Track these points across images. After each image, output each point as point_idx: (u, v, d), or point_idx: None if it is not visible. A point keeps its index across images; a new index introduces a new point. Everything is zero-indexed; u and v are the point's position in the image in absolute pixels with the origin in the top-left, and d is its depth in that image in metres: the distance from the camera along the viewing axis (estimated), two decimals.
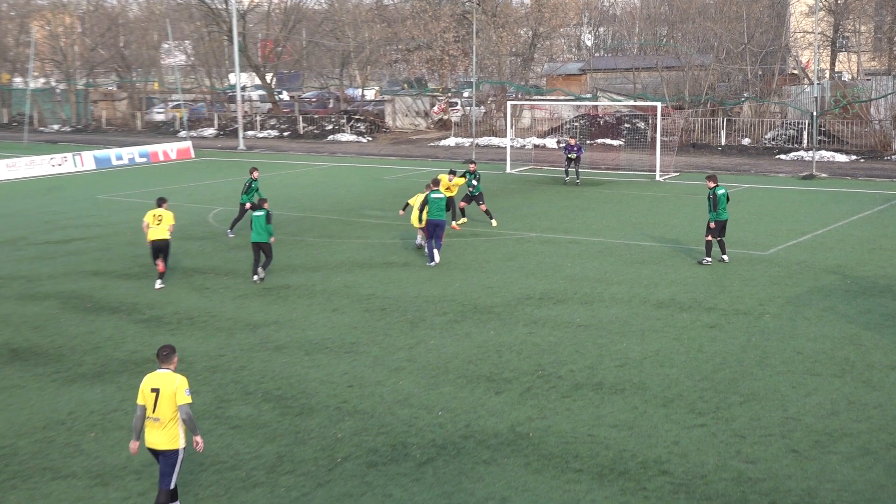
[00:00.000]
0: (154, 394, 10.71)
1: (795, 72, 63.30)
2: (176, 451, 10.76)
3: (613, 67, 66.35)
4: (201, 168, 49.17)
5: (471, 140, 55.03)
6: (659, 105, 42.66)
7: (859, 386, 14.97)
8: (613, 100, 58.84)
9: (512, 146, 49.10)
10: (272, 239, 22.78)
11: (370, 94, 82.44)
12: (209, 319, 19.55)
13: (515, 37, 64.83)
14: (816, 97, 43.94)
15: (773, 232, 28.05)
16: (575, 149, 39.52)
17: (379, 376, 15.84)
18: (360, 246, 26.99)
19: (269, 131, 67.86)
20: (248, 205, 27.60)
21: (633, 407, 14.23)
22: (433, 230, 24.20)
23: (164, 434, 10.70)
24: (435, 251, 24.19)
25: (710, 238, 23.70)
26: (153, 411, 10.73)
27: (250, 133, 66.86)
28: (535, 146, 53.77)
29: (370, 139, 63.67)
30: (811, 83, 50.96)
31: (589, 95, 62.24)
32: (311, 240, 27.91)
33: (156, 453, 10.85)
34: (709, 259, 23.68)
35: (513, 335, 18.00)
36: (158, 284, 22.43)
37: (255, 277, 22.71)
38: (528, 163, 47.23)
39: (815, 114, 43.28)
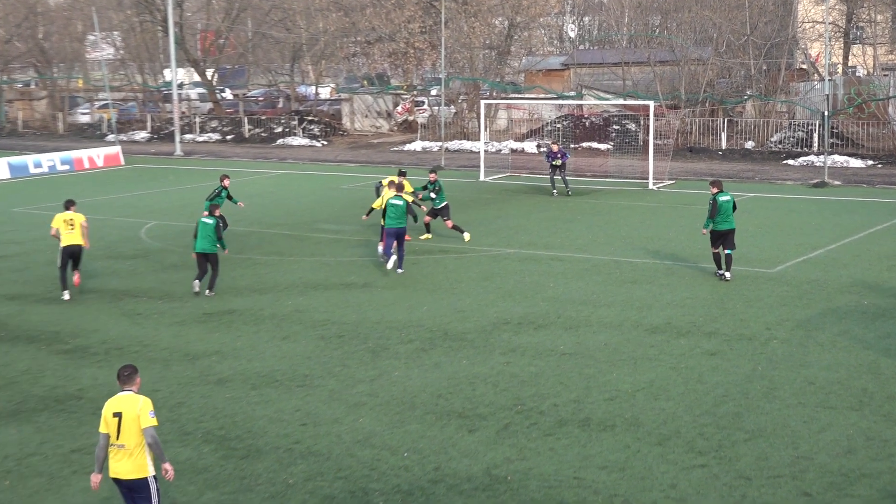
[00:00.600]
0: (116, 419, 10.86)
1: (804, 66, 63.90)
2: (146, 481, 10.91)
3: (600, 62, 66.72)
4: (132, 177, 48.96)
5: (439, 144, 55.14)
6: (651, 104, 42.93)
7: (879, 420, 15.07)
8: (600, 98, 59.15)
9: (486, 151, 49.21)
10: (224, 251, 23.81)
11: (325, 93, 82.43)
12: (141, 349, 19.42)
13: (489, 27, 65.09)
14: (828, 95, 44.36)
15: (780, 247, 28.25)
16: (559, 155, 39.56)
17: (336, 413, 15.77)
18: (313, 264, 26.93)
19: (210, 134, 67.69)
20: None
21: (625, 446, 14.25)
22: (392, 239, 25.23)
23: (131, 462, 10.86)
24: (393, 258, 25.27)
25: (716, 250, 24.32)
26: (117, 437, 10.87)
27: (188, 136, 66.64)
28: (513, 151, 53.96)
29: (325, 143, 63.63)
30: (822, 79, 51.47)
31: (573, 93, 62.55)
32: (259, 258, 27.82)
33: (122, 484, 10.96)
34: (720, 272, 24.32)
35: (488, 365, 17.99)
36: (66, 296, 23.06)
37: (196, 283, 23.41)
38: (504, 169, 47.38)
39: (826, 114, 43.68)
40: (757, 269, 25.28)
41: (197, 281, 23.54)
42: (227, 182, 30.23)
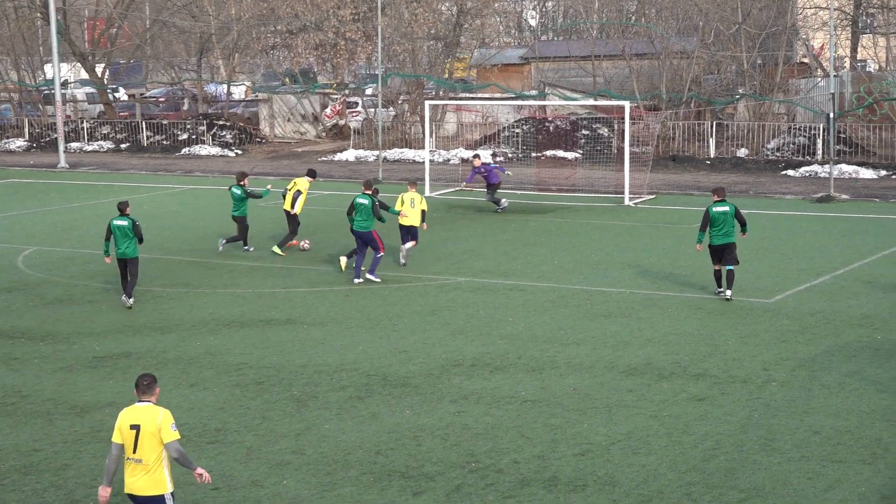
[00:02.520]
0: (134, 431, 11.84)
1: (805, 60, 64.69)
2: (163, 498, 11.95)
3: (566, 55, 67.18)
4: (6, 194, 48.56)
5: (376, 153, 55.23)
6: (627, 105, 43.25)
7: (895, 476, 15.27)
8: (566, 98, 59.56)
9: (432, 161, 49.37)
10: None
11: (239, 92, 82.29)
12: (19, 401, 19.27)
13: (435, 15, 65.33)
14: (833, 94, 44.89)
15: (779, 273, 28.57)
16: (482, 172, 38.97)
17: (255, 474, 15.74)
18: (227, 298, 26.87)
19: (101, 143, 67.32)
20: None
21: None
22: (359, 242, 28.00)
23: (149, 479, 11.89)
24: (363, 269, 27.84)
25: (717, 267, 25.43)
26: (133, 451, 11.87)
27: (75, 145, 66.22)
28: (464, 160, 54.13)
29: (239, 152, 63.51)
30: (826, 75, 52.14)
31: (534, 92, 62.92)
32: (160, 290, 27.71)
33: (138, 500, 11.95)
34: (720, 290, 25.67)
35: (436, 415, 18.04)
36: None
37: (124, 297, 25.63)
38: (453, 183, 47.50)
39: (831, 115, 44.20)
40: (752, 300, 25.55)
41: (125, 297, 25.61)
42: (245, 182, 33.19)
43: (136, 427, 11.89)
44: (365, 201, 27.92)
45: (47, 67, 75.16)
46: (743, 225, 25.61)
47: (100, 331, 23.77)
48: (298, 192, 32.53)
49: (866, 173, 47.92)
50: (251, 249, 32.70)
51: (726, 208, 25.26)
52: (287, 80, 70.78)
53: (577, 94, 60.34)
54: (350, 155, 59.07)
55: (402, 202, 30.53)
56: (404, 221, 30.35)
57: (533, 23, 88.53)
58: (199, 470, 12.10)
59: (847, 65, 65.63)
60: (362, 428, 17.52)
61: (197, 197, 46.29)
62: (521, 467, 15.76)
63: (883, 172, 48.13)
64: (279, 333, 23.35)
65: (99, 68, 73.77)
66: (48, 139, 68.16)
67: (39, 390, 19.86)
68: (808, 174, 48.56)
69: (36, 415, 18.55)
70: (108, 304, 26.25)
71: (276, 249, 32.07)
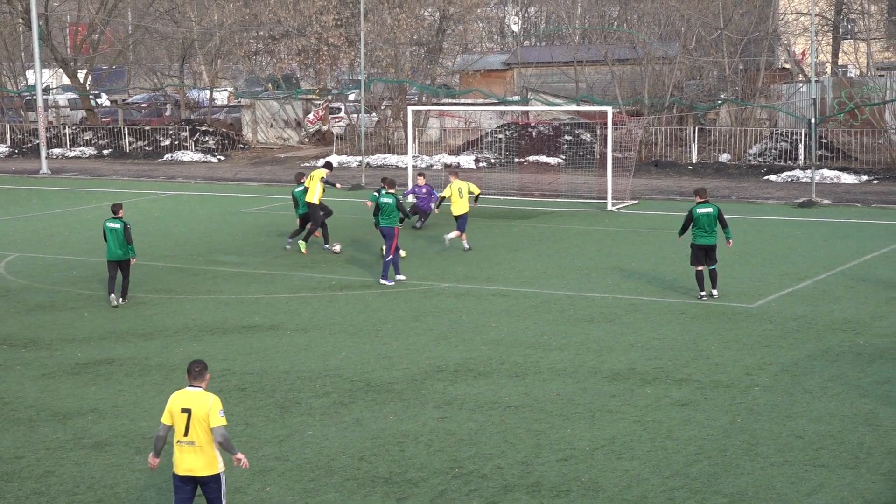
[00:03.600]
0: (185, 415, 12.72)
1: (787, 66, 64.86)
2: (218, 476, 12.90)
3: (549, 61, 67.26)
4: None
5: (359, 159, 55.23)
6: (610, 110, 43.31)
7: (878, 480, 15.32)
8: (549, 103, 59.62)
9: (415, 166, 49.37)
10: (132, 259, 26.41)
11: (222, 98, 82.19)
12: (1, 408, 19.20)
13: (417, 20, 65.36)
14: (815, 99, 45.03)
15: (761, 278, 28.63)
16: (420, 192, 37.49)
17: (238, 481, 15.72)
18: (210, 304, 26.83)
19: (83, 149, 67.18)
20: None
21: None
22: (384, 239, 28.64)
23: (203, 459, 12.78)
24: (391, 267, 28.40)
25: (699, 268, 25.63)
26: (185, 434, 12.73)
27: (57, 151, 66.08)
28: (446, 166, 54.14)
29: (222, 158, 63.44)
30: (807, 81, 52.32)
31: (516, 98, 62.96)
32: (143, 296, 27.65)
33: (193, 480, 12.83)
34: (703, 294, 25.76)
35: (419, 421, 18.03)
36: None
37: (112, 297, 26.21)
38: (436, 188, 47.45)
39: (813, 121, 44.33)
40: (735, 304, 25.60)
41: (112, 296, 26.28)
42: (305, 180, 33.69)
43: (187, 411, 12.70)
44: (389, 200, 28.66)
45: (29, 73, 74.96)
46: (725, 227, 25.85)
47: (82, 337, 23.71)
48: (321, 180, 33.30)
49: (848, 178, 48.06)
50: (334, 248, 33.25)
51: (710, 210, 25.48)
52: (270, 85, 70.72)
53: (559, 100, 60.43)
54: (333, 160, 58.91)
55: (451, 192, 33.34)
56: (455, 211, 33.16)
57: (515, 28, 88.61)
58: (239, 455, 12.90)
59: (828, 70, 65.92)
60: (346, 434, 17.50)
61: (180, 203, 46.21)
62: (505, 473, 15.76)
63: (864, 177, 48.28)
64: (262, 339, 23.31)
65: (81, 74, 73.62)
66: (30, 145, 67.98)
67: (22, 397, 19.80)
68: (789, 179, 48.67)
69: (18, 421, 18.49)
70: (91, 310, 26.19)
71: (300, 245, 32.92)
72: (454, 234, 32.85)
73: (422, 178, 38.56)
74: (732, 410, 18.22)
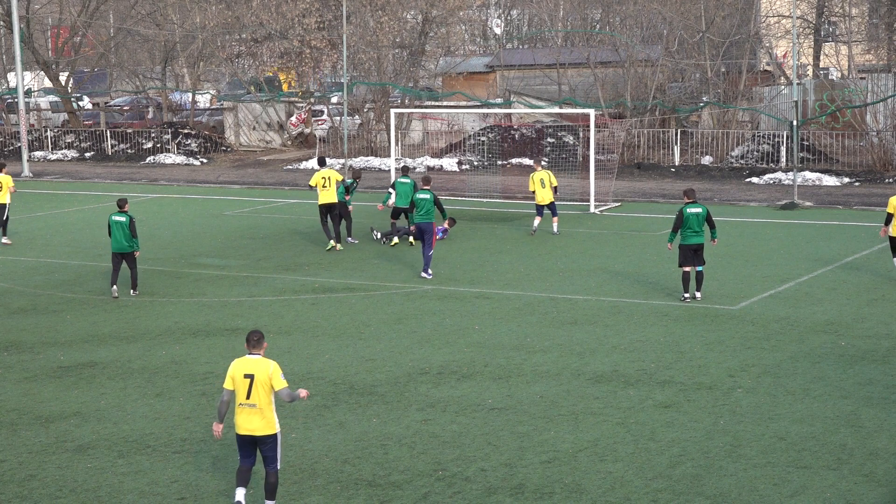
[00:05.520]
0: (248, 380, 14.17)
1: (769, 68, 65.05)
2: (276, 436, 14.33)
3: (531, 63, 67.28)
4: None
5: (342, 161, 55.20)
6: (592, 113, 43.34)
7: (860, 481, 15.37)
8: (531, 106, 59.67)
9: (398, 169, 49.36)
10: (136, 252, 27.49)
11: (204, 101, 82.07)
12: None
13: (400, 23, 65.36)
14: (797, 101, 45.13)
15: (744, 280, 28.69)
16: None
17: (221, 484, 15.70)
18: (193, 307, 26.80)
19: (65, 151, 66.99)
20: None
21: None
22: (420, 235, 29.56)
23: (263, 420, 14.18)
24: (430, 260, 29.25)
25: (686, 269, 25.81)
26: (247, 398, 14.18)
27: (39, 154, 65.90)
28: (429, 168, 54.18)
29: (205, 161, 63.33)
30: (789, 83, 52.47)
31: (499, 100, 62.98)
32: (126, 299, 27.61)
33: (253, 440, 14.23)
34: (686, 295, 25.91)
35: (402, 424, 18.03)
36: None
37: (114, 289, 27.25)
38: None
39: (795, 123, 44.46)
40: (717, 306, 25.66)
41: (115, 288, 27.37)
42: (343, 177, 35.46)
43: (249, 376, 14.18)
44: (426, 196, 29.59)
45: (10, 76, 74.83)
46: (712, 228, 26.07)
47: (64, 340, 23.67)
48: (339, 182, 34.20)
49: (829, 180, 48.18)
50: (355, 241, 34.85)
51: (699, 210, 25.70)
52: (252, 88, 70.64)
53: (542, 102, 60.43)
54: (316, 163, 58.89)
55: (533, 182, 35.50)
56: (539, 200, 35.36)
57: (498, 31, 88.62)
58: (303, 393, 14.48)
59: (810, 73, 66.10)
60: (329, 437, 17.50)
61: (162, 206, 46.12)
62: (489, 475, 15.78)
63: (846, 179, 48.39)
64: (245, 342, 23.24)
65: (63, 77, 73.41)
66: (11, 148, 67.78)
67: (4, 400, 19.75)
68: (772, 181, 48.78)
69: (0, 425, 18.44)
70: (73, 313, 26.14)
71: (348, 240, 34.56)
72: (538, 220, 35.64)
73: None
74: (715, 412, 18.26)
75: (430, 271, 29.24)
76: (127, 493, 15.49)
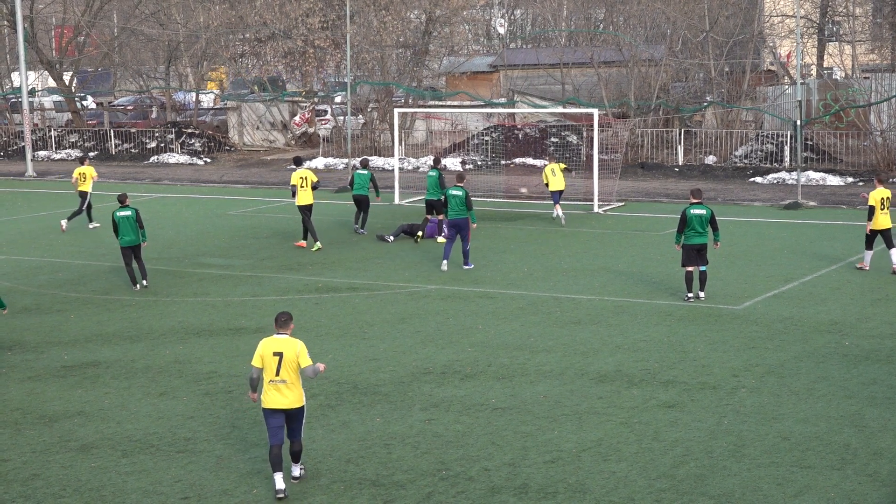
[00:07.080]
0: (277, 357, 15.12)
1: (773, 68, 65.04)
2: (303, 409, 15.42)
3: (535, 63, 67.31)
4: None
5: (345, 161, 55.23)
6: (596, 112, 43.37)
7: (864, 481, 15.36)
8: (535, 106, 59.67)
9: (401, 169, 49.41)
10: (144, 244, 28.23)
11: (208, 100, 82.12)
12: None
13: (404, 22, 65.36)
14: (800, 101, 45.12)
15: (748, 279, 28.68)
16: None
17: (225, 484, 15.70)
18: (196, 306, 26.80)
19: (68, 151, 67.06)
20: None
21: None
22: (453, 231, 30.24)
23: (294, 394, 15.22)
24: (463, 257, 30.32)
25: (689, 269, 25.86)
26: (276, 374, 15.12)
27: (43, 154, 65.95)
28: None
29: (208, 161, 63.38)
30: (793, 83, 52.43)
31: (503, 100, 62.98)
32: (129, 299, 27.62)
33: (283, 413, 15.21)
34: (690, 295, 25.95)
35: (406, 423, 18.03)
36: None
37: (138, 286, 28.14)
38: (423, 191, 47.41)
39: (798, 123, 44.43)
40: (721, 306, 25.65)
41: (137, 285, 28.25)
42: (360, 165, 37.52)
43: (278, 354, 15.10)
44: (458, 192, 30.09)
45: (14, 75, 74.83)
46: (715, 230, 26.04)
47: (68, 340, 23.68)
48: (315, 183, 34.50)
49: (833, 180, 48.19)
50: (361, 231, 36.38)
51: (703, 211, 25.71)
52: (255, 88, 70.67)
53: (545, 102, 60.45)
54: (319, 162, 58.97)
55: (546, 175, 38.23)
56: (552, 187, 37.94)
57: (502, 31, 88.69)
58: (321, 367, 15.39)
59: (814, 72, 66.10)
60: (332, 436, 17.50)
61: (166, 205, 46.15)
62: (492, 475, 15.77)
63: (850, 179, 48.41)
64: (249, 342, 23.23)
65: (67, 76, 73.48)
66: (15, 148, 67.85)
67: (7, 400, 19.76)
68: (775, 181, 48.79)
69: (4, 424, 18.45)
70: (77, 312, 26.15)
71: (355, 228, 36.54)
72: (558, 207, 38.04)
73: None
74: (719, 412, 18.25)
75: (470, 263, 30.44)
76: (130, 492, 15.49)
